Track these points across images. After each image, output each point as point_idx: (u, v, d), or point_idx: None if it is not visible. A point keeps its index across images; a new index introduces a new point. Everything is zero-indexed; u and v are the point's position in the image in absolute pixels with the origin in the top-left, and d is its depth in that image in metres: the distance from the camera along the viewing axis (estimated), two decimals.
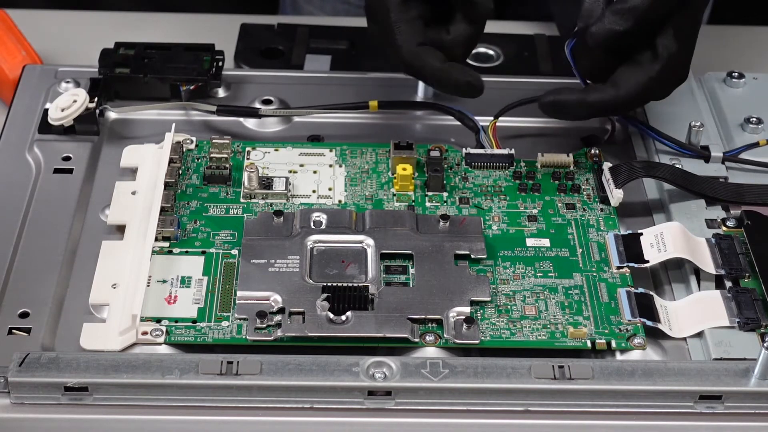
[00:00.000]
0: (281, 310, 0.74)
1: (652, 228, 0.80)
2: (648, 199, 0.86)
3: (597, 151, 0.87)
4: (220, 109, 0.90)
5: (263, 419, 0.69)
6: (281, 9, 1.25)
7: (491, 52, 1.01)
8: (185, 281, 0.77)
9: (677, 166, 0.85)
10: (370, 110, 0.89)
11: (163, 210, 0.80)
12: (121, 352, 0.72)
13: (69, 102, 0.87)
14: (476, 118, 0.88)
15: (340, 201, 0.84)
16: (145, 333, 0.73)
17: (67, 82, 0.92)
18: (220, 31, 1.02)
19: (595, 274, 0.78)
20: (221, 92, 0.93)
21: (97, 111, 0.88)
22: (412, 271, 0.78)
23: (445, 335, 0.73)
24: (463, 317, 0.74)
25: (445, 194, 0.84)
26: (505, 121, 0.89)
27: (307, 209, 0.81)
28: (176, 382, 0.69)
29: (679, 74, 0.83)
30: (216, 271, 0.77)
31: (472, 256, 0.78)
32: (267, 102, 0.92)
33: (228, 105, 0.91)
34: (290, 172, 0.86)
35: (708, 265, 0.78)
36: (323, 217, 0.80)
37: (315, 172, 0.86)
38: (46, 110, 0.88)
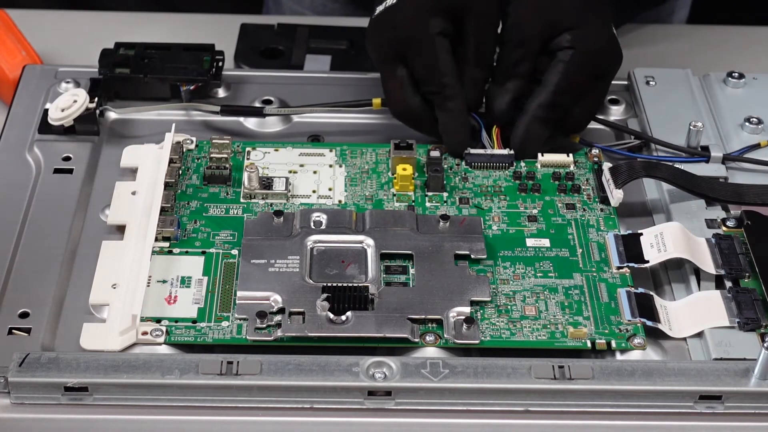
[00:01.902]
0: (281, 310, 0.74)
1: (652, 228, 0.80)
2: (648, 199, 0.86)
3: (597, 152, 0.87)
4: (224, 109, 0.90)
5: (263, 419, 0.69)
6: (264, 8, 1.24)
7: None
8: (185, 281, 0.77)
9: (677, 166, 0.85)
10: (373, 107, 0.89)
11: (163, 210, 0.80)
12: (121, 352, 0.72)
13: (69, 102, 0.87)
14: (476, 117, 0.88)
15: (340, 201, 0.84)
16: (145, 333, 0.73)
17: (67, 82, 0.92)
18: (220, 31, 1.02)
19: (595, 274, 0.78)
20: (221, 92, 0.93)
21: (97, 111, 0.88)
22: (412, 271, 0.78)
23: (445, 335, 0.73)
24: (463, 317, 0.74)
25: (445, 194, 0.84)
26: None
27: (307, 209, 0.81)
28: (176, 382, 0.69)
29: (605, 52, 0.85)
30: (216, 271, 0.77)
31: (472, 256, 0.78)
32: (267, 102, 0.92)
33: (231, 105, 0.91)
34: (290, 172, 0.86)
35: (708, 265, 0.78)
36: (323, 217, 0.80)
37: (315, 172, 0.86)
38: (46, 110, 0.88)
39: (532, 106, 0.85)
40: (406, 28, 0.84)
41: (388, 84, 0.86)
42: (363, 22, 0.88)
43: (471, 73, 0.85)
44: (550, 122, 0.85)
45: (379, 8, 0.85)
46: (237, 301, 0.75)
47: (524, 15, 0.85)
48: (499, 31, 0.86)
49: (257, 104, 0.92)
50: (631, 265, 0.78)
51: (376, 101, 0.88)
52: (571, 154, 0.87)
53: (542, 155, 0.86)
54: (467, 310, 0.75)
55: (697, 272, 0.78)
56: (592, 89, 0.87)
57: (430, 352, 0.73)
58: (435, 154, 0.86)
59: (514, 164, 0.86)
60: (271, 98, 0.92)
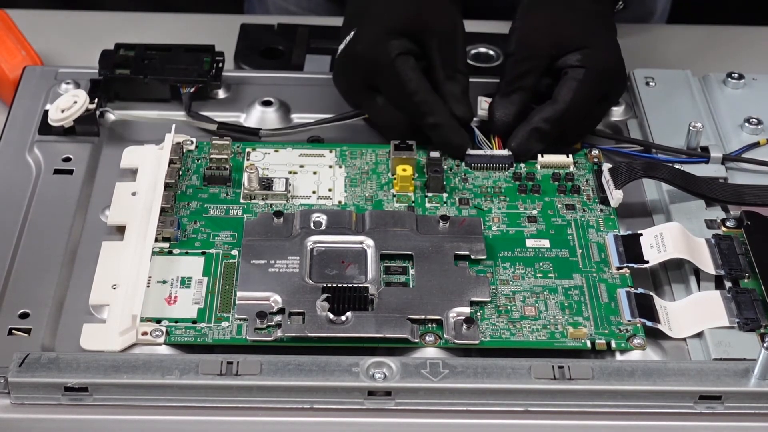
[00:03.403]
0: (281, 311, 0.74)
1: (652, 228, 0.80)
2: (648, 200, 0.86)
3: (597, 152, 0.87)
4: (221, 127, 0.89)
5: (263, 419, 0.69)
6: (247, 6, 1.24)
7: (491, 52, 1.01)
8: (185, 282, 0.77)
9: (677, 166, 0.85)
10: (366, 116, 0.88)
11: (163, 211, 0.80)
12: (121, 353, 0.72)
13: (69, 103, 0.87)
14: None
15: (340, 202, 0.84)
16: (145, 333, 0.73)
17: (68, 83, 0.92)
18: (220, 32, 1.02)
19: (594, 274, 0.78)
20: (221, 93, 0.93)
21: (97, 112, 0.88)
22: (411, 271, 0.78)
23: (444, 335, 0.74)
24: (463, 317, 0.74)
25: (444, 195, 0.84)
26: None
27: (307, 210, 0.81)
28: (176, 382, 0.69)
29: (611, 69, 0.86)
30: (216, 272, 0.77)
31: (472, 256, 0.78)
32: (267, 103, 0.92)
33: (229, 124, 0.90)
34: (290, 172, 0.86)
35: (708, 266, 0.78)
36: (323, 218, 0.80)
37: (315, 173, 0.86)
38: (47, 111, 0.88)
39: (536, 118, 0.85)
40: (368, 56, 0.85)
41: (372, 114, 0.87)
42: None
43: (446, 89, 0.85)
44: (550, 137, 0.85)
45: (341, 46, 0.87)
46: (237, 302, 0.75)
47: (534, 30, 0.86)
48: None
49: (257, 105, 0.92)
50: (630, 265, 0.78)
51: None
52: (570, 155, 0.87)
53: (542, 156, 0.86)
54: (467, 310, 0.75)
55: (697, 272, 0.78)
56: (595, 110, 0.87)
57: (430, 352, 0.73)
58: (435, 154, 0.86)
59: (514, 165, 0.86)
60: (271, 99, 0.92)
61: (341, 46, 0.86)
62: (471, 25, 0.89)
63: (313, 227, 0.80)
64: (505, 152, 0.86)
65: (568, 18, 0.86)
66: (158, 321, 0.74)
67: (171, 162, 0.84)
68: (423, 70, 0.85)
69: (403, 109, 0.85)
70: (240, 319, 0.74)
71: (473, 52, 1.00)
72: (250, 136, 0.90)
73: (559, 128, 0.85)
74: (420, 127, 0.85)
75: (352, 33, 0.85)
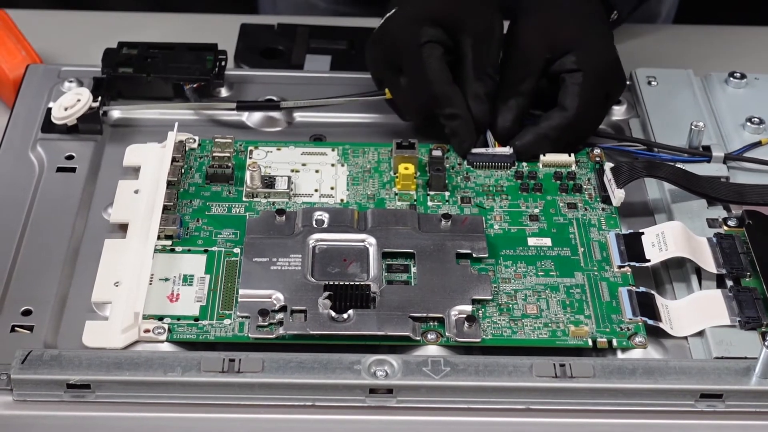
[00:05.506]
0: (283, 308, 0.74)
1: (654, 227, 0.80)
2: (649, 199, 0.86)
3: (599, 151, 0.87)
4: (240, 105, 0.90)
5: (265, 417, 0.70)
6: (261, 8, 1.25)
7: None
8: (187, 279, 0.77)
9: (678, 166, 0.85)
10: (386, 97, 0.88)
11: (165, 208, 0.80)
12: (123, 350, 0.72)
13: (72, 101, 0.87)
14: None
15: (342, 200, 0.84)
16: (147, 331, 0.73)
17: (71, 81, 0.92)
18: (220, 31, 1.02)
19: (596, 273, 0.78)
20: (224, 92, 0.93)
21: (101, 110, 0.88)
22: (413, 269, 0.78)
23: (446, 333, 0.74)
24: (465, 316, 0.74)
25: (446, 193, 0.84)
26: None
27: (309, 208, 0.81)
28: (178, 379, 0.69)
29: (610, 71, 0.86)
30: (218, 270, 0.78)
31: (474, 255, 0.79)
32: (269, 102, 0.92)
33: (247, 101, 0.91)
34: (292, 171, 0.86)
35: (709, 265, 0.78)
36: (325, 216, 0.80)
37: (317, 171, 0.86)
38: (50, 109, 0.88)
39: (545, 124, 0.85)
40: (397, 37, 0.85)
41: (394, 92, 0.87)
42: (363, 22, 0.89)
43: (471, 88, 0.85)
44: (559, 143, 0.86)
45: (382, 21, 0.86)
46: (239, 299, 0.75)
47: (528, 34, 0.86)
48: (500, 52, 0.87)
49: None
50: (632, 264, 0.79)
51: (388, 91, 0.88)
52: (572, 154, 0.87)
53: (544, 155, 0.86)
54: (469, 308, 0.75)
55: (698, 271, 0.78)
56: (599, 110, 0.87)
57: (432, 350, 0.73)
58: (437, 153, 0.86)
59: (516, 164, 0.86)
60: (273, 98, 0.92)
61: (382, 21, 0.87)
62: None
63: (315, 225, 0.80)
64: (507, 151, 0.86)
65: (560, 20, 0.87)
66: (160, 318, 0.74)
67: (174, 160, 0.84)
68: (452, 64, 0.85)
69: (421, 96, 0.85)
70: (242, 317, 0.74)
71: None
72: (271, 110, 0.91)
73: (569, 135, 0.85)
74: (437, 115, 0.85)
75: (393, 10, 0.86)
